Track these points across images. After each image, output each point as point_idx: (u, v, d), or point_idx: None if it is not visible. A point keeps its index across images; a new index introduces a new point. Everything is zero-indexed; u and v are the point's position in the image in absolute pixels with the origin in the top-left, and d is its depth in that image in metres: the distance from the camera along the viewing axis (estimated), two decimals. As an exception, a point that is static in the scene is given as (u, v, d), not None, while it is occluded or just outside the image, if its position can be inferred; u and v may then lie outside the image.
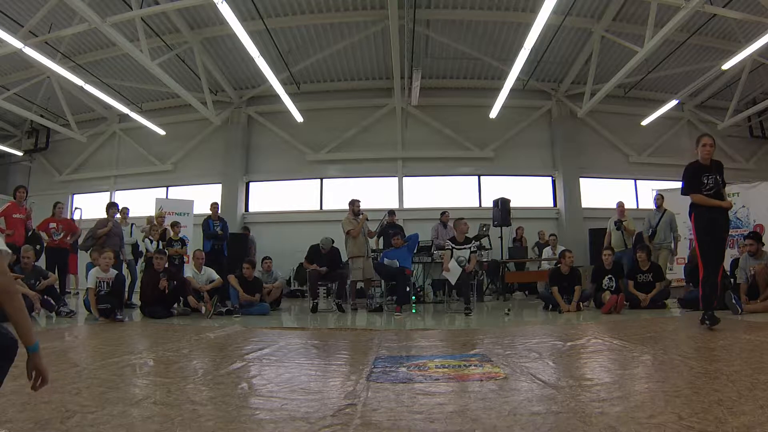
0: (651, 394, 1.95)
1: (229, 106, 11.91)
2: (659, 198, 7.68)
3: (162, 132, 11.78)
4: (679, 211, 9.33)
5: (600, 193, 11.76)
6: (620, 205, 7.87)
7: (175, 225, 7.80)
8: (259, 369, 2.63)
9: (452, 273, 5.99)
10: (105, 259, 5.56)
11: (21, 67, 10.25)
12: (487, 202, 10.58)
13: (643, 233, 7.47)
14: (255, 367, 2.67)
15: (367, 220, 7.08)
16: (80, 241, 7.29)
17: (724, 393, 1.85)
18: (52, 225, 6.97)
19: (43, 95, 11.13)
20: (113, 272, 5.61)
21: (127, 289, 6.74)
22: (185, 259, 7.70)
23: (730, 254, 8.30)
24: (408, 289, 6.44)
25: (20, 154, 12.74)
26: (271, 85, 9.58)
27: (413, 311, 6.38)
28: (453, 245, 6.23)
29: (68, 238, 7.11)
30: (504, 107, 10.45)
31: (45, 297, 5.53)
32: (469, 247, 6.23)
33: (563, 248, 9.22)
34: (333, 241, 6.80)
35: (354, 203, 7.24)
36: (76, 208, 11.49)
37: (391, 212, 8.20)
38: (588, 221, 10.82)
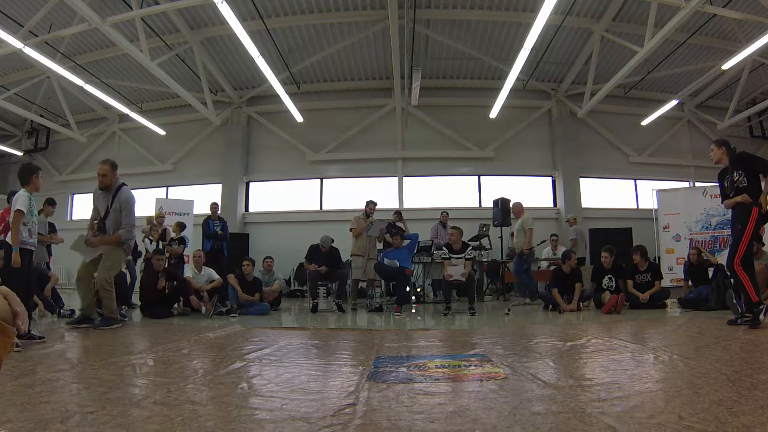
0: (651, 394, 1.95)
1: (229, 106, 11.91)
2: None
3: (162, 132, 11.80)
4: (679, 211, 9.40)
5: (600, 193, 11.78)
6: (516, 205, 7.51)
7: (175, 225, 7.80)
8: (259, 369, 2.62)
9: (455, 272, 5.94)
10: None
11: (21, 67, 10.26)
12: (487, 202, 10.59)
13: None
14: (255, 367, 2.67)
15: (371, 223, 7.05)
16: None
17: (724, 393, 1.84)
18: None
19: (43, 95, 11.14)
20: None
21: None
22: (185, 259, 7.70)
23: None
24: (408, 289, 6.44)
25: (20, 154, 12.75)
26: (271, 85, 9.59)
27: (416, 314, 6.36)
28: (449, 253, 6.03)
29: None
30: (504, 107, 10.46)
31: (48, 299, 5.51)
32: (463, 256, 5.97)
33: (564, 249, 9.24)
34: (332, 240, 6.80)
35: (368, 204, 7.25)
36: None
37: (397, 212, 8.22)
38: (588, 221, 10.82)
